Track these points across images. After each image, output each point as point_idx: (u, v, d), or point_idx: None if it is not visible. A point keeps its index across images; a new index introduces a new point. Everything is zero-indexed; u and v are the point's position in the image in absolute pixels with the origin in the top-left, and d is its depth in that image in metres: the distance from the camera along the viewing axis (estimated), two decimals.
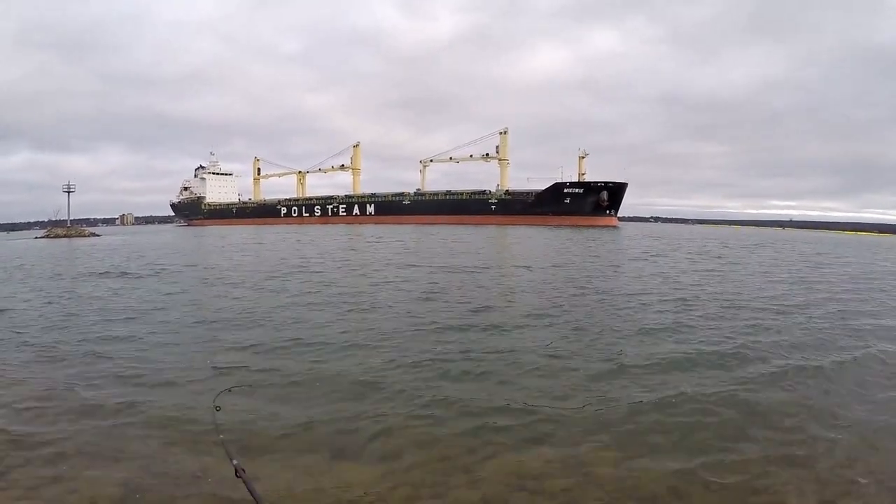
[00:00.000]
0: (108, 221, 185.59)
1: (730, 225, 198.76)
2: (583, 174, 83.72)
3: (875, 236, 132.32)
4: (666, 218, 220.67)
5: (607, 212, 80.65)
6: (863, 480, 4.26)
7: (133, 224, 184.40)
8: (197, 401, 5.64)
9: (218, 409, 3.67)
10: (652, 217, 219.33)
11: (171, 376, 6.59)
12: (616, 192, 79.82)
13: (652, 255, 26.87)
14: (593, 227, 70.97)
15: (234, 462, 2.55)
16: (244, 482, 2.41)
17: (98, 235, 65.66)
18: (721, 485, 4.13)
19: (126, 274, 18.02)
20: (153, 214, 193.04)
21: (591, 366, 7.07)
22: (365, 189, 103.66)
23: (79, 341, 8.49)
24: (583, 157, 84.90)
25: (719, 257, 27.17)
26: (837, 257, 30.86)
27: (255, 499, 2.27)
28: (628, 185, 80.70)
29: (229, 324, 9.73)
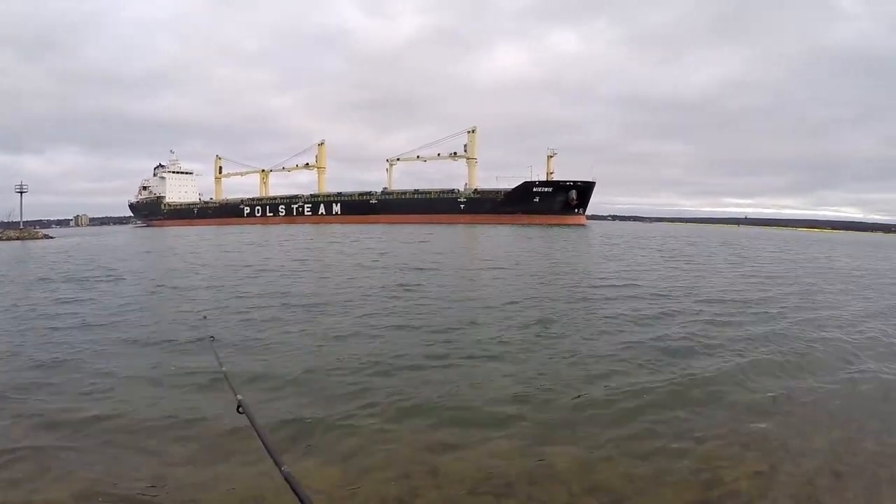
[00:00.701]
0: (63, 223, 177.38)
1: (686, 223, 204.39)
2: (551, 173, 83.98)
3: (828, 233, 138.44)
4: (624, 216, 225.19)
5: (576, 210, 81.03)
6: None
7: (87, 225, 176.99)
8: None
9: (213, 339, 3.84)
10: (610, 215, 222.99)
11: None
12: (584, 190, 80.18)
13: (623, 255, 26.58)
14: (563, 225, 71.14)
15: (238, 397, 2.45)
16: (248, 417, 2.33)
17: (51, 237, 62.45)
18: (679, 477, 4.22)
19: (72, 280, 15.95)
20: (108, 215, 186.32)
21: (552, 365, 7.02)
22: (327, 189, 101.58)
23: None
24: (551, 157, 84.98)
25: (689, 257, 27.09)
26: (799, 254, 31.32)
27: (258, 434, 2.19)
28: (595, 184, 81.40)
29: (178, 342, 8.19)
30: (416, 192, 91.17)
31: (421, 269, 17.74)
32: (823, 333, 9.09)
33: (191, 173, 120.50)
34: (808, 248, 38.80)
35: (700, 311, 10.81)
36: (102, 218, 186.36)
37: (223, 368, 3.07)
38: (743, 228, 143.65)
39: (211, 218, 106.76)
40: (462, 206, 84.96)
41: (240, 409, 2.43)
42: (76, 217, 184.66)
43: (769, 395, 5.99)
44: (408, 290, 13.07)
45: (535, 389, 6.08)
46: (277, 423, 5.08)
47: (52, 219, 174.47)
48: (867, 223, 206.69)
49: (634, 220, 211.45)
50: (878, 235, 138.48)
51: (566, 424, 5.17)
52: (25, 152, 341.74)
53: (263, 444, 2.10)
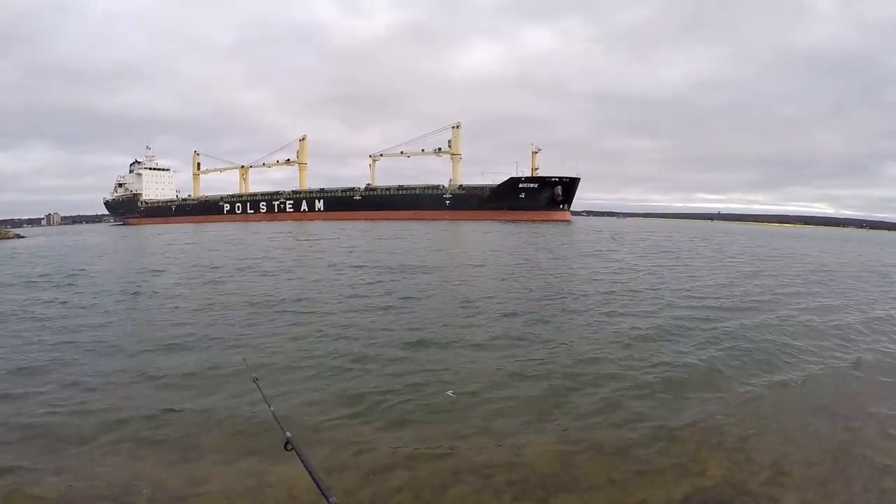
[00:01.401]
0: (34, 222, 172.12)
1: (659, 218, 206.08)
2: (535, 169, 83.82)
3: (799, 227, 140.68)
4: (598, 212, 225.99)
5: (561, 206, 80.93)
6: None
7: (60, 224, 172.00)
8: None
9: (256, 380, 3.55)
10: (584, 211, 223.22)
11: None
12: (570, 186, 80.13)
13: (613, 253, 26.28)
14: (548, 221, 70.91)
15: (287, 434, 2.49)
16: (297, 453, 2.38)
17: (23, 237, 60.38)
18: (655, 469, 4.25)
19: (34, 284, 14.69)
20: (81, 214, 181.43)
21: (534, 363, 6.89)
22: (305, 186, 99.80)
23: None
24: (535, 153, 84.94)
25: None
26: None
27: (307, 468, 2.25)
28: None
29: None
30: (401, 188, 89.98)
31: (410, 271, 16.96)
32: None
33: (168, 170, 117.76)
34: (809, 246, 39.10)
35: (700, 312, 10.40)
36: (74, 216, 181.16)
37: (271, 408, 2.99)
38: (717, 224, 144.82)
39: (190, 215, 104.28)
40: (447, 202, 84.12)
41: (288, 447, 2.44)
42: (48, 216, 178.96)
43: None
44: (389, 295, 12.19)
45: (513, 387, 6.03)
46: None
47: (23, 218, 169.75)
48: (839, 218, 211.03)
49: (608, 216, 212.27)
50: (851, 230, 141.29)
51: (546, 422, 5.13)
52: None
53: (312, 477, 2.18)
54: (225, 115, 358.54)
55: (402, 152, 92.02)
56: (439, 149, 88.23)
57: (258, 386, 3.44)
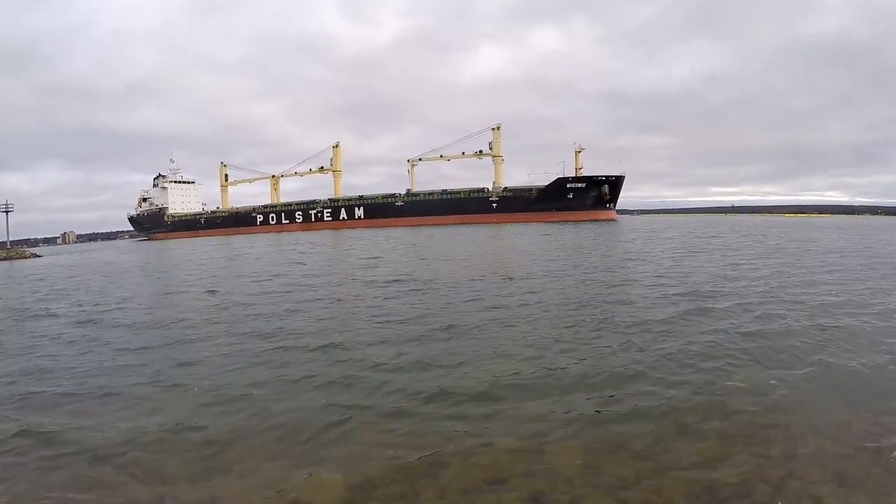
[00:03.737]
0: (50, 241, 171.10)
1: (673, 214, 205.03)
2: (579, 169, 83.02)
3: (815, 217, 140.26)
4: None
5: (607, 205, 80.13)
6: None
7: (75, 242, 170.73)
8: None
9: None
10: None
11: None
12: (615, 184, 79.27)
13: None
14: (596, 221, 70.01)
15: None
16: None
17: (40, 256, 60.93)
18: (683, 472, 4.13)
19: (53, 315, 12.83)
20: (96, 231, 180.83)
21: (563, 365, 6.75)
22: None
23: None
24: (579, 152, 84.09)
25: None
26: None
27: None
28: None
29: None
30: (444, 192, 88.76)
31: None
32: None
33: (193, 182, 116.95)
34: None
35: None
36: (90, 234, 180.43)
37: None
38: (731, 217, 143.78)
39: (220, 228, 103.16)
40: (494, 205, 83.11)
41: None
42: (63, 234, 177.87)
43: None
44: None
45: (540, 392, 5.91)
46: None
47: (39, 237, 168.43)
48: (855, 206, 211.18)
49: (622, 213, 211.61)
50: (867, 218, 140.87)
51: (571, 426, 5.04)
52: (7, 169, 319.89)
53: None
54: (237, 128, 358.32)
55: (441, 156, 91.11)
56: (480, 151, 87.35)
57: None
